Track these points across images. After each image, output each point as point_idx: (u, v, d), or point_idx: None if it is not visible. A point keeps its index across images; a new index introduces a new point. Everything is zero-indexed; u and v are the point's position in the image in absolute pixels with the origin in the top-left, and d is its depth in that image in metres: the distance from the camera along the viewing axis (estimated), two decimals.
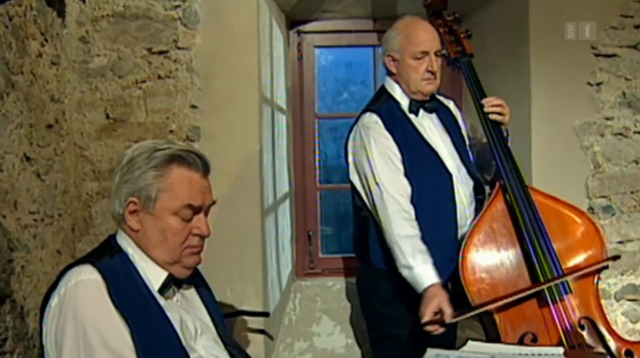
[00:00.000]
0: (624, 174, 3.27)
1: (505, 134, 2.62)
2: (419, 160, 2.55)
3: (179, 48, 2.95)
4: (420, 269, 2.38)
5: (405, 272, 2.42)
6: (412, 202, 2.51)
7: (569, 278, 2.33)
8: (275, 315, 3.25)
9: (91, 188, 2.96)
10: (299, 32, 3.80)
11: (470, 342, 2.00)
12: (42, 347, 1.63)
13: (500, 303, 2.26)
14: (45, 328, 1.60)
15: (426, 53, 2.58)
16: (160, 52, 2.96)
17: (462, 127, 2.81)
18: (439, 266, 2.45)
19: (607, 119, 3.25)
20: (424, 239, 2.46)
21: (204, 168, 1.73)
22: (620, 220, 3.29)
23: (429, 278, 2.36)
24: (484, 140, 2.62)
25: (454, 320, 2.26)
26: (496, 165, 2.53)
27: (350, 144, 2.67)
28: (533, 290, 2.28)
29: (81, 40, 2.94)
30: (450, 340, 2.66)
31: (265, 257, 3.04)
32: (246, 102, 2.94)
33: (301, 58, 3.80)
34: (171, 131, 2.96)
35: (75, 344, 1.52)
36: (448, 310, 2.27)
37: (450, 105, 2.83)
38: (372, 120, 2.58)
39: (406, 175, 2.53)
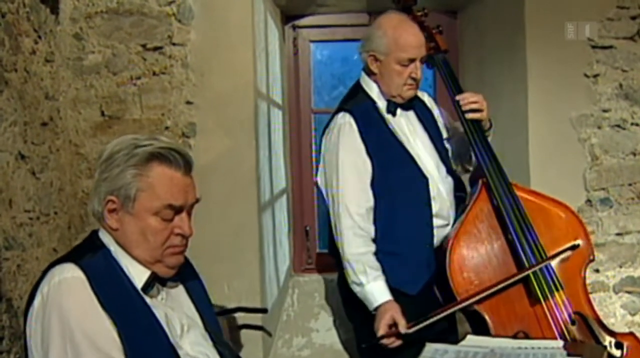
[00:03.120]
0: (621, 166, 3.27)
1: (488, 125, 2.60)
2: (394, 165, 2.49)
3: (173, 44, 2.94)
4: (371, 286, 2.38)
5: (356, 289, 2.42)
6: (387, 208, 2.48)
7: (552, 261, 2.33)
8: (273, 311, 3.24)
9: (87, 186, 2.94)
10: (294, 27, 3.78)
11: (469, 336, 2.00)
12: (25, 347, 1.59)
13: (457, 306, 2.27)
14: (29, 330, 1.57)
15: (412, 60, 2.49)
16: (155, 48, 2.94)
17: (440, 120, 2.76)
18: (414, 272, 2.45)
19: (604, 110, 3.24)
20: (378, 255, 2.45)
21: (186, 166, 1.67)
22: (619, 212, 3.28)
23: (381, 295, 2.37)
24: (462, 129, 2.60)
25: (410, 331, 2.25)
26: (477, 162, 2.52)
27: (323, 142, 2.59)
28: (514, 279, 2.28)
29: (75, 37, 2.93)
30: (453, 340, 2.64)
31: (263, 253, 3.03)
32: (242, 98, 2.93)
33: (297, 53, 3.78)
34: (167, 127, 2.94)
35: (62, 345, 1.49)
36: (402, 321, 2.28)
37: (425, 97, 2.77)
38: (345, 121, 2.50)
39: (380, 180, 2.48)
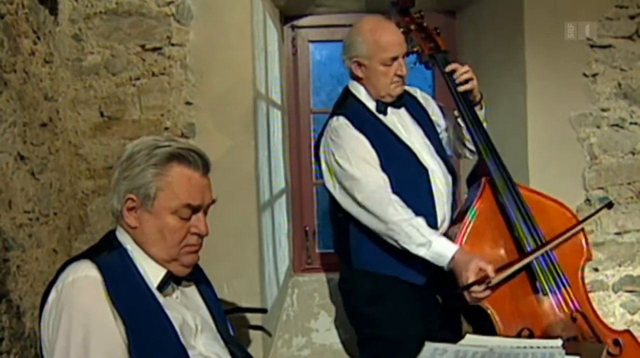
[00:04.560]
0: (620, 165, 3.27)
1: (479, 96, 2.63)
2: (394, 158, 2.51)
3: (172, 44, 2.94)
4: (438, 242, 2.33)
5: (422, 251, 2.34)
6: None
7: (553, 245, 2.36)
8: (272, 311, 3.24)
9: (86, 187, 2.94)
10: (293, 27, 3.78)
11: (468, 336, 2.00)
12: (41, 344, 1.62)
13: (541, 250, 2.30)
14: (42, 325, 1.60)
15: (396, 58, 2.52)
16: (154, 49, 2.95)
17: (435, 114, 2.79)
18: (420, 262, 2.43)
19: (603, 110, 3.24)
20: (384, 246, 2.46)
21: (204, 167, 1.71)
22: (618, 211, 3.29)
23: (451, 246, 2.31)
24: (456, 113, 2.64)
25: (500, 278, 2.20)
26: (476, 149, 2.56)
27: (321, 149, 2.60)
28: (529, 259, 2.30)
29: (74, 37, 2.93)
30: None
31: (262, 253, 3.03)
32: (241, 98, 2.93)
33: (296, 53, 3.78)
34: (166, 128, 2.95)
35: (67, 341, 1.51)
36: (489, 267, 2.20)
37: (417, 94, 2.80)
38: (340, 123, 2.52)
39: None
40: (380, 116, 2.60)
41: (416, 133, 2.64)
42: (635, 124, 3.27)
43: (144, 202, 1.65)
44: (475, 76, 2.59)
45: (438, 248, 2.32)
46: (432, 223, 2.49)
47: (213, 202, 1.76)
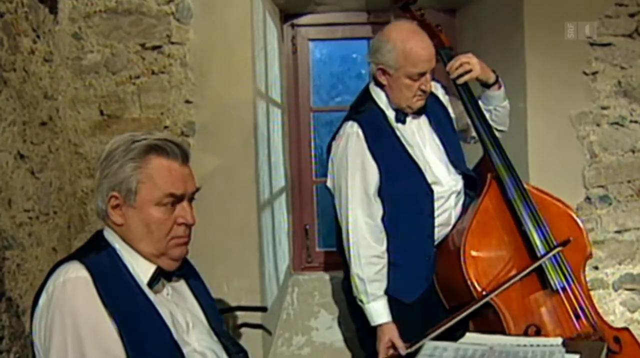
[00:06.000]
0: (620, 163, 3.27)
1: (493, 78, 2.61)
2: (399, 176, 2.47)
3: (172, 43, 2.94)
4: (371, 306, 2.44)
5: (358, 303, 2.48)
6: (390, 218, 2.48)
7: (560, 249, 2.36)
8: (273, 309, 3.24)
9: (86, 186, 2.94)
10: (293, 26, 3.78)
11: (468, 334, 2.01)
12: (32, 347, 1.61)
13: (452, 321, 2.29)
14: (34, 328, 1.59)
15: (423, 74, 2.46)
16: (154, 48, 2.95)
17: (454, 109, 2.76)
18: (413, 282, 2.47)
19: (603, 108, 3.24)
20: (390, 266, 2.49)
21: (183, 156, 1.70)
22: (618, 209, 3.29)
23: (379, 317, 2.43)
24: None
25: (409, 351, 2.29)
26: (486, 154, 2.54)
27: (333, 148, 2.57)
28: (525, 272, 2.32)
29: (74, 36, 2.93)
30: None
31: (262, 251, 3.03)
32: (241, 97, 2.93)
33: (295, 51, 3.78)
34: (166, 127, 2.95)
35: (63, 342, 1.51)
36: (400, 343, 2.37)
37: (438, 91, 2.73)
38: (353, 131, 2.47)
39: (385, 190, 2.47)
40: (398, 125, 2.54)
41: (433, 143, 2.59)
42: (635, 122, 3.27)
43: (126, 197, 1.64)
44: (478, 63, 2.55)
45: (370, 310, 2.46)
46: (429, 246, 2.50)
47: (197, 190, 1.75)
